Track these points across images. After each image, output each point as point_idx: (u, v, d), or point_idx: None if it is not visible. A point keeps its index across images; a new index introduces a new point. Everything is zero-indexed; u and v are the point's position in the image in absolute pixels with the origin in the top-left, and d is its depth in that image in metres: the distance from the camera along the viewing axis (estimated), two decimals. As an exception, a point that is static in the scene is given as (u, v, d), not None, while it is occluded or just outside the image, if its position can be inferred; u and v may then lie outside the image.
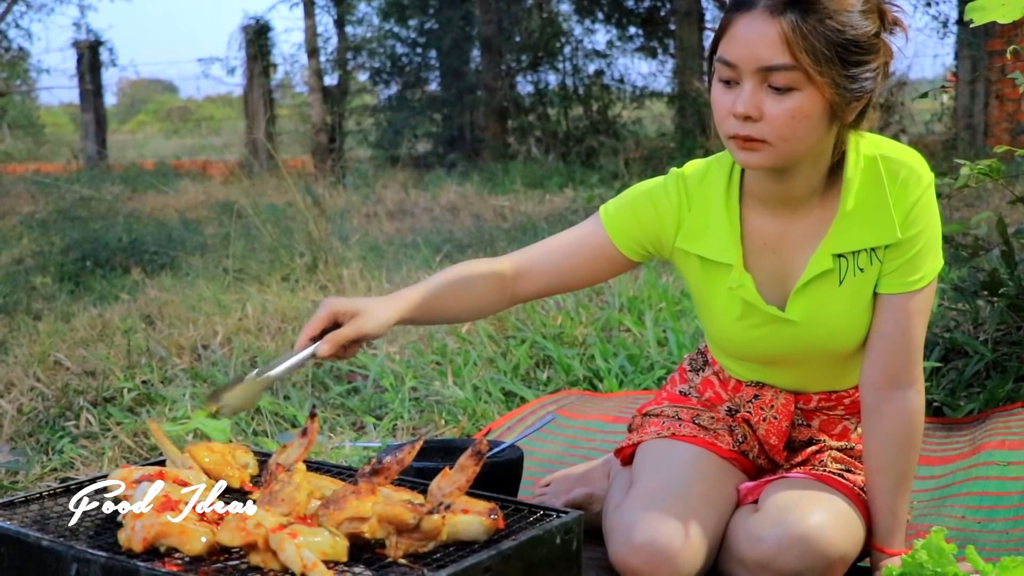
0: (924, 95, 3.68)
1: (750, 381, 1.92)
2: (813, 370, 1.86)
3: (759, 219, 1.78)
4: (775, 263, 1.78)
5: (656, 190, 1.84)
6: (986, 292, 3.02)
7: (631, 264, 1.87)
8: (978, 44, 9.44)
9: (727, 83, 1.63)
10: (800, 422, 1.92)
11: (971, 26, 2.25)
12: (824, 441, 1.90)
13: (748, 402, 1.91)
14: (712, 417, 1.95)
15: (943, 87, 9.65)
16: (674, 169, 1.86)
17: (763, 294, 1.78)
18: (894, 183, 1.70)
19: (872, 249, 1.72)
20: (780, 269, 1.78)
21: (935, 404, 2.81)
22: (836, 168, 1.74)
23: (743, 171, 1.79)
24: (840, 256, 1.74)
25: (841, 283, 1.74)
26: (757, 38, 1.57)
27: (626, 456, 2.02)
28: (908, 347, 1.73)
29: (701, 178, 1.82)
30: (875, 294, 1.75)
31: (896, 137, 10.01)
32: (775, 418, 1.89)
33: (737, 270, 1.77)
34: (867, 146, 1.72)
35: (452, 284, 1.81)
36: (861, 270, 1.74)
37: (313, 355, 1.66)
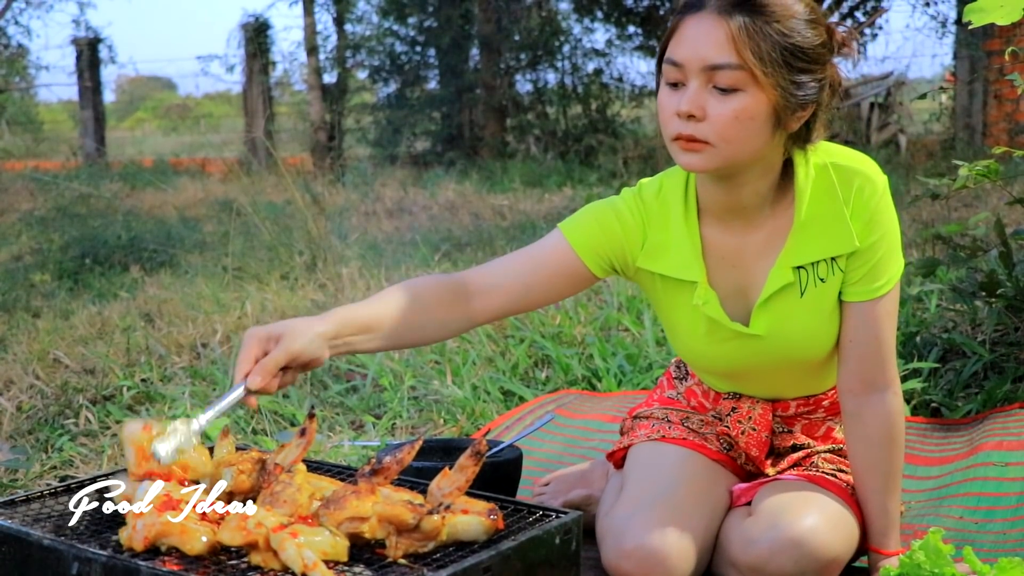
0: (923, 96, 3.69)
1: (727, 393, 1.93)
2: (787, 379, 1.86)
3: (716, 233, 1.77)
4: (735, 277, 1.78)
5: (619, 205, 1.80)
6: (984, 293, 3.03)
7: (594, 280, 1.82)
8: (976, 44, 9.45)
9: (674, 85, 1.63)
10: (781, 429, 1.93)
11: (970, 27, 2.26)
12: (811, 445, 1.91)
13: (727, 415, 1.92)
14: (702, 420, 1.96)
15: (941, 87, 9.66)
16: (627, 188, 1.84)
17: (726, 309, 1.77)
18: (848, 191, 1.69)
19: (832, 259, 1.72)
20: (741, 283, 1.78)
21: (933, 404, 2.82)
22: (786, 179, 1.73)
23: (697, 185, 1.78)
24: (800, 268, 1.73)
25: (803, 295, 1.74)
26: (704, 38, 1.58)
27: (618, 460, 2.02)
28: (880, 351, 1.73)
29: (656, 194, 1.80)
30: (841, 302, 1.75)
31: (895, 137, 10.03)
32: (754, 429, 1.89)
33: (702, 287, 1.76)
34: (816, 155, 1.71)
35: (396, 300, 1.69)
36: (822, 280, 1.73)
37: (246, 391, 1.54)
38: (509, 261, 1.80)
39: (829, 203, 1.70)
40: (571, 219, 1.82)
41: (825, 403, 1.91)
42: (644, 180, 1.84)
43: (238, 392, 1.54)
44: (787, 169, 1.72)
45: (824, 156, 1.71)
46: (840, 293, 1.74)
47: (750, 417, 1.90)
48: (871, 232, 1.69)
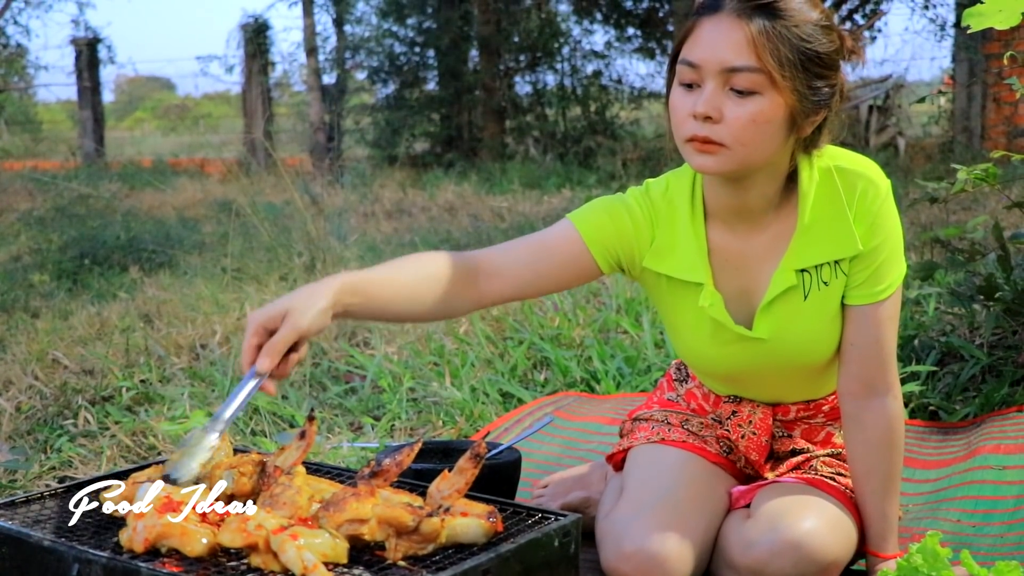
0: (921, 99, 3.71)
1: (728, 396, 1.93)
2: (788, 382, 1.86)
3: (721, 236, 1.77)
4: (739, 280, 1.78)
5: (630, 203, 1.80)
6: (982, 296, 3.04)
7: (598, 275, 1.82)
8: (975, 47, 9.46)
9: (688, 87, 1.62)
10: (781, 434, 1.93)
11: (968, 31, 2.26)
12: (810, 450, 1.91)
13: (727, 419, 1.92)
14: (701, 423, 1.96)
15: (940, 90, 9.67)
16: (633, 188, 1.84)
17: (730, 312, 1.78)
18: (852, 195, 1.69)
19: (836, 262, 1.72)
20: (744, 286, 1.78)
21: (931, 408, 2.82)
22: (790, 182, 1.73)
23: (704, 188, 1.78)
24: (803, 271, 1.73)
25: (806, 298, 1.74)
26: (723, 40, 1.58)
27: (618, 462, 2.02)
28: (881, 355, 1.74)
29: (663, 194, 1.80)
30: (843, 305, 1.75)
31: (893, 139, 10.03)
32: (754, 434, 1.90)
33: (708, 289, 1.76)
34: (819, 158, 1.72)
35: (411, 270, 1.66)
36: (825, 283, 1.73)
37: (257, 377, 1.49)
38: (519, 247, 1.78)
39: (833, 206, 1.70)
40: (581, 211, 1.81)
41: (825, 408, 1.92)
42: (650, 180, 1.84)
43: (252, 384, 1.49)
44: (791, 172, 1.73)
45: (827, 159, 1.71)
46: (843, 296, 1.75)
47: (750, 421, 1.90)
48: (874, 236, 1.70)
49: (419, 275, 1.66)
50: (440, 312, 1.70)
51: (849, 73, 1.71)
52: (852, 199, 1.69)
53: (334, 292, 1.56)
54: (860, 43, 1.68)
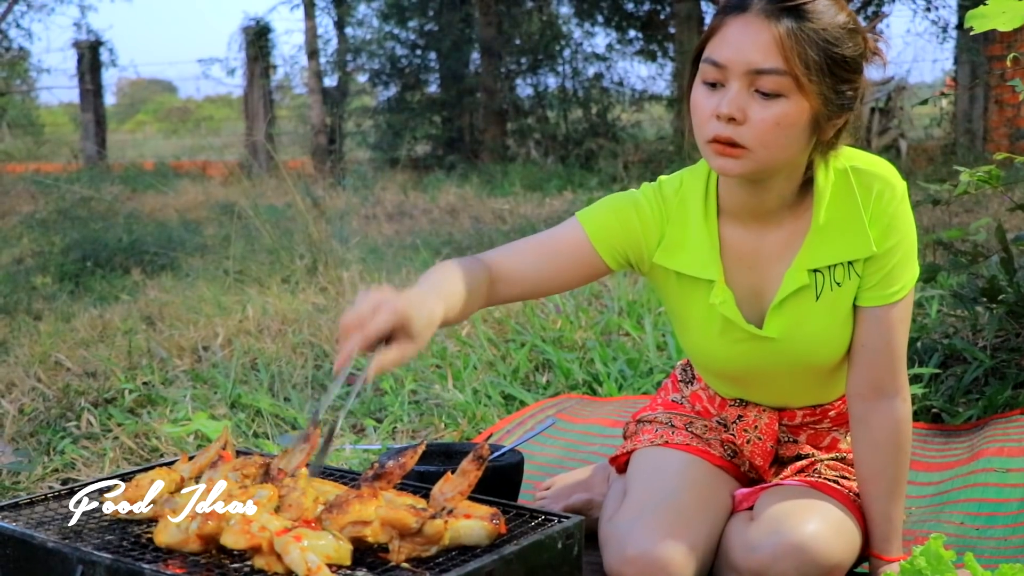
0: (924, 101, 3.71)
1: (733, 399, 1.93)
2: (796, 385, 1.86)
3: (734, 234, 1.77)
4: (751, 279, 1.77)
5: (639, 200, 1.80)
6: (985, 299, 3.03)
7: (608, 272, 1.82)
8: (977, 49, 9.46)
9: (712, 86, 1.61)
10: (786, 439, 1.92)
11: (971, 33, 2.26)
12: (814, 455, 1.91)
13: (732, 423, 1.92)
14: (705, 425, 1.95)
15: (942, 92, 9.67)
16: (647, 183, 1.83)
17: (741, 310, 1.77)
18: (868, 196, 1.69)
19: (849, 263, 1.72)
20: (756, 285, 1.77)
21: (934, 410, 2.82)
22: (805, 181, 1.73)
23: (718, 184, 1.78)
24: (816, 271, 1.73)
25: (818, 298, 1.74)
26: (750, 41, 1.56)
27: (621, 464, 2.02)
28: (891, 357, 1.74)
29: (676, 191, 1.79)
30: (854, 307, 1.75)
31: (896, 142, 10.03)
32: (759, 439, 1.89)
33: (719, 286, 1.75)
34: (836, 159, 1.71)
35: (464, 282, 1.64)
36: (838, 284, 1.73)
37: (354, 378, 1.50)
38: (527, 249, 1.77)
39: (848, 207, 1.70)
40: (589, 210, 1.81)
41: (831, 413, 1.91)
42: (663, 176, 1.84)
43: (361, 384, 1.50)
44: (807, 172, 1.72)
45: (844, 160, 1.71)
46: (855, 298, 1.74)
47: (756, 426, 1.90)
48: (888, 237, 1.70)
49: (473, 286, 1.65)
50: (460, 319, 1.68)
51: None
52: (868, 200, 1.69)
53: (442, 318, 1.54)
54: (881, 43, 1.66)
